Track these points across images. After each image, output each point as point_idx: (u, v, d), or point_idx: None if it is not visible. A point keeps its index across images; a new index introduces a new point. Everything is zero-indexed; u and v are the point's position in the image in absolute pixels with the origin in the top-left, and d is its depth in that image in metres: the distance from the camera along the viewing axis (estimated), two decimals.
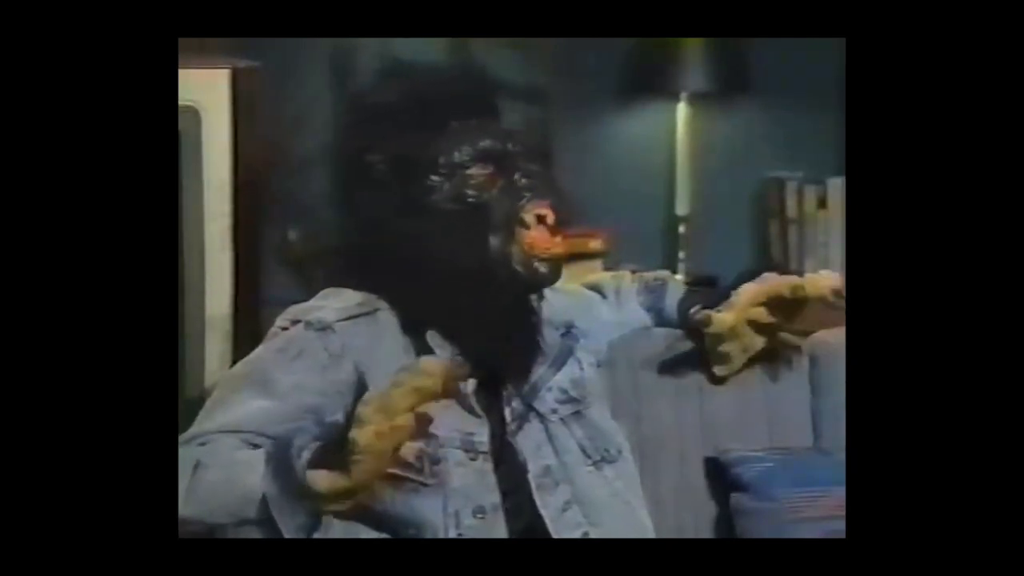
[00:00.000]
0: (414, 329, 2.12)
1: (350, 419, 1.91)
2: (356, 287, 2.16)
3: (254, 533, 1.97)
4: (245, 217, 2.52)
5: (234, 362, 2.46)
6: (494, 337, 2.11)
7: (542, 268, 2.12)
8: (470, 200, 2.10)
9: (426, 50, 2.27)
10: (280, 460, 1.94)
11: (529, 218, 2.11)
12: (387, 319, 2.13)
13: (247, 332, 2.51)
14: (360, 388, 2.06)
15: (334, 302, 2.15)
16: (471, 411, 2.11)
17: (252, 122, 2.51)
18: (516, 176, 2.12)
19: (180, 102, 2.30)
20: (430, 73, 2.17)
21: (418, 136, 2.11)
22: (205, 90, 2.48)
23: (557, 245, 2.12)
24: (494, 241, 2.10)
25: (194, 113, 2.46)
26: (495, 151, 2.12)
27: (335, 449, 1.91)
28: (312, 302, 2.18)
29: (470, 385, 2.12)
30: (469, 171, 2.11)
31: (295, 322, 2.14)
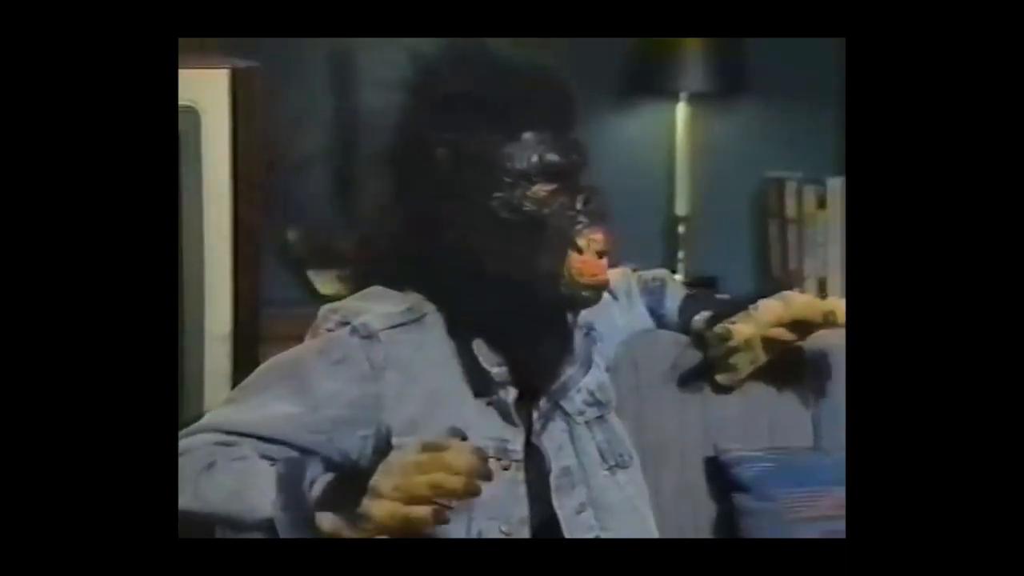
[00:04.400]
0: (460, 335, 2.10)
1: (370, 456, 1.92)
2: (406, 285, 2.13)
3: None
4: (245, 217, 2.52)
5: (234, 361, 2.46)
6: (535, 344, 2.09)
7: (585, 293, 2.10)
8: (526, 212, 2.06)
9: (502, 44, 2.21)
10: (291, 491, 1.92)
11: (583, 243, 2.08)
12: (434, 323, 2.09)
13: (247, 331, 2.51)
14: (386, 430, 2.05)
15: (381, 306, 2.10)
16: (509, 420, 2.10)
17: (252, 122, 2.51)
18: (578, 199, 2.08)
19: (180, 102, 2.30)
20: (510, 70, 2.11)
21: (491, 135, 2.06)
22: (205, 90, 2.48)
23: (603, 272, 2.10)
24: (544, 259, 2.06)
25: (194, 113, 2.46)
26: (560, 166, 2.08)
27: (345, 490, 1.89)
28: (356, 302, 2.13)
29: (511, 394, 2.11)
30: (534, 184, 2.07)
31: (342, 324, 2.09)
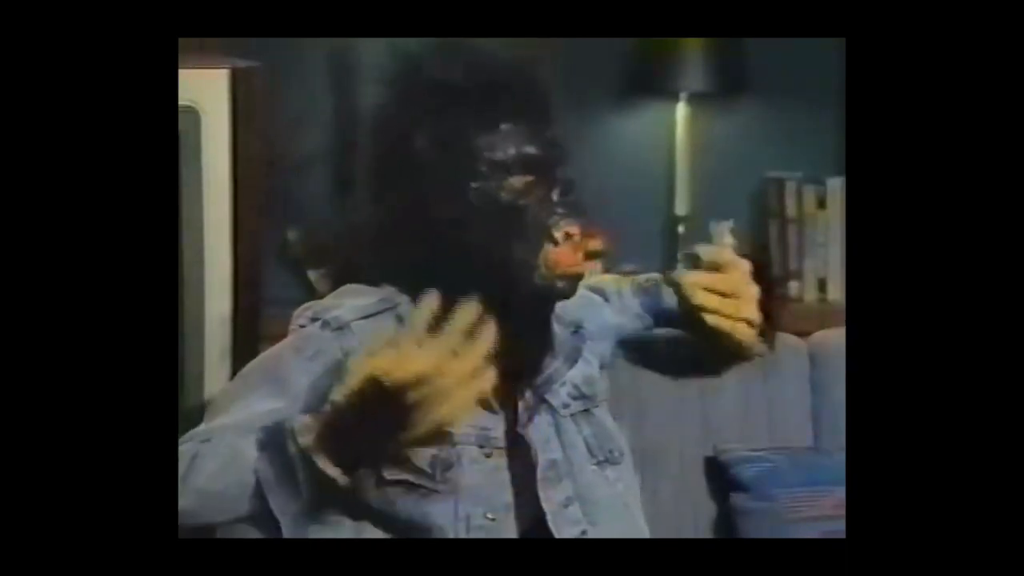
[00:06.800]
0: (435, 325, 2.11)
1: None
2: (380, 276, 2.14)
3: (251, 531, 1.98)
4: (245, 217, 2.52)
5: (234, 362, 2.46)
6: (512, 333, 2.10)
7: (560, 284, 2.11)
8: (503, 201, 2.07)
9: (482, 40, 2.21)
10: (273, 444, 1.95)
11: (559, 235, 2.09)
12: (406, 313, 2.11)
13: (247, 332, 2.51)
14: None
15: (353, 300, 2.13)
16: (488, 407, 2.11)
17: (252, 122, 2.50)
18: (554, 191, 2.09)
19: (180, 102, 2.30)
20: (493, 61, 2.12)
21: (470, 125, 2.07)
22: (205, 90, 2.48)
23: (579, 264, 2.11)
24: (519, 249, 2.07)
25: (194, 113, 2.46)
26: (538, 159, 2.08)
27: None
28: (331, 300, 2.16)
29: (489, 381, 2.11)
30: (511, 175, 2.07)
31: (314, 320, 2.13)
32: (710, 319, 2.11)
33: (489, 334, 1.89)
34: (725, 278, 2.12)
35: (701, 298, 2.12)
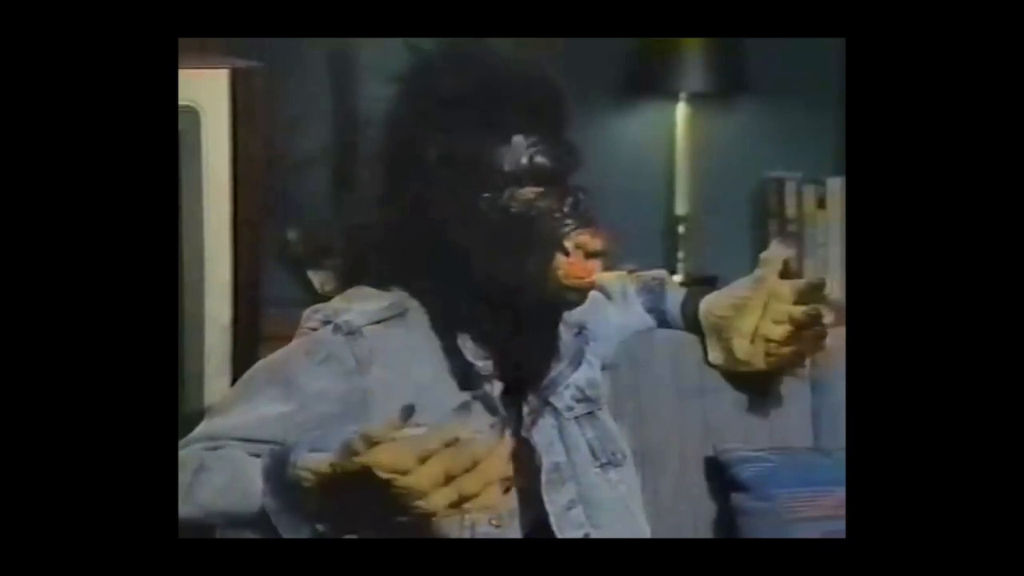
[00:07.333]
0: (444, 329, 2.10)
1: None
2: (390, 279, 2.14)
3: (251, 530, 1.97)
4: (245, 217, 2.52)
5: (234, 362, 2.46)
6: (520, 341, 2.09)
7: (571, 296, 2.10)
8: (514, 213, 2.06)
9: (498, 44, 2.20)
10: (277, 475, 1.91)
11: (570, 246, 2.08)
12: (417, 320, 2.11)
13: (247, 332, 2.51)
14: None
15: (362, 304, 2.11)
16: (496, 413, 2.11)
17: (252, 122, 2.51)
18: (566, 201, 2.09)
19: (180, 102, 2.30)
20: (505, 70, 2.10)
21: (482, 137, 2.06)
22: (205, 90, 2.48)
23: (591, 273, 2.10)
24: (530, 260, 2.06)
25: (194, 113, 2.46)
26: (550, 170, 2.07)
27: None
28: (339, 302, 2.15)
29: (497, 388, 2.11)
30: (522, 187, 2.06)
31: (325, 323, 2.11)
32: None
33: (472, 450, 1.83)
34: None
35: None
